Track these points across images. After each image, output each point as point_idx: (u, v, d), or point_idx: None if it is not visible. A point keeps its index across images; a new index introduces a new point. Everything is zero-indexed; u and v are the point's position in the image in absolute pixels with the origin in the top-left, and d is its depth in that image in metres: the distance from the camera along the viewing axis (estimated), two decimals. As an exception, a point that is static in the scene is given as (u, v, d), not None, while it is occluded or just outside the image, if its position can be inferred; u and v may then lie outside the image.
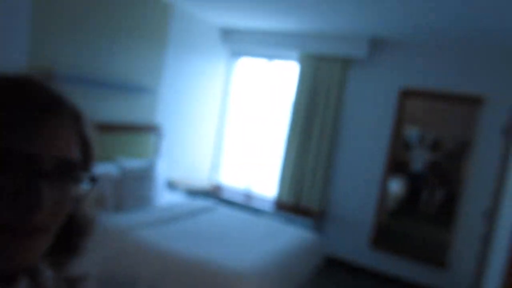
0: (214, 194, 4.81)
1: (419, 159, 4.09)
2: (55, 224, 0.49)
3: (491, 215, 3.24)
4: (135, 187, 3.28)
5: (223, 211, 3.66)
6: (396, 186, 4.19)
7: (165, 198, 3.67)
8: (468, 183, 3.79)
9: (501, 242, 2.60)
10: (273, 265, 2.64)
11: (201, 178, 4.97)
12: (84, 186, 0.53)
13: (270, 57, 4.86)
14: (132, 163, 3.37)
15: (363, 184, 4.25)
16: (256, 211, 4.61)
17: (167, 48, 4.07)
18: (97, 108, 3.41)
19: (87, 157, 0.54)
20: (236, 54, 5.07)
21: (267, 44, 4.62)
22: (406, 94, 4.04)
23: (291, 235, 3.25)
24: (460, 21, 3.12)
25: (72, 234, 0.57)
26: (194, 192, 4.40)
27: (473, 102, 3.76)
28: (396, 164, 4.13)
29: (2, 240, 0.44)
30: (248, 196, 4.91)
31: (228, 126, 5.16)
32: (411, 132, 4.09)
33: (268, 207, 4.64)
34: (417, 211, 4.13)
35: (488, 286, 2.75)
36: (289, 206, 4.49)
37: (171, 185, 4.24)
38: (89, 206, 0.58)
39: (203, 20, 4.50)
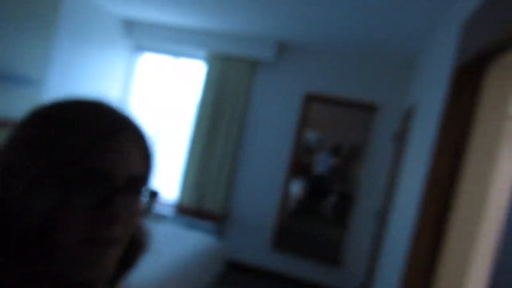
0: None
1: (321, 162, 4.23)
2: (126, 236, 0.54)
3: (382, 215, 3.46)
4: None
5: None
6: (297, 188, 4.29)
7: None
8: (362, 185, 4.03)
9: (391, 241, 2.76)
10: (173, 274, 2.46)
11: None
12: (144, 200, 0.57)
13: (176, 54, 4.66)
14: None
15: (266, 187, 4.27)
16: (156, 216, 4.35)
17: (56, 36, 3.63)
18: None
19: (149, 173, 0.58)
20: (140, 48, 4.77)
21: (173, 40, 4.41)
22: (310, 99, 4.16)
23: (193, 241, 3.10)
24: (350, 32, 3.29)
25: (130, 248, 0.60)
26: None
27: (368, 110, 4.00)
28: (301, 167, 4.22)
29: (83, 251, 0.49)
30: (149, 200, 4.61)
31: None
32: (313, 136, 4.22)
33: (169, 211, 4.41)
34: (317, 212, 4.27)
35: (379, 283, 2.90)
36: (192, 210, 4.32)
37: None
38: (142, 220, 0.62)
39: (102, 9, 4.13)
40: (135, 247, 0.61)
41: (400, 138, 3.42)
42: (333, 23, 3.21)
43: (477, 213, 1.30)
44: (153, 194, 0.57)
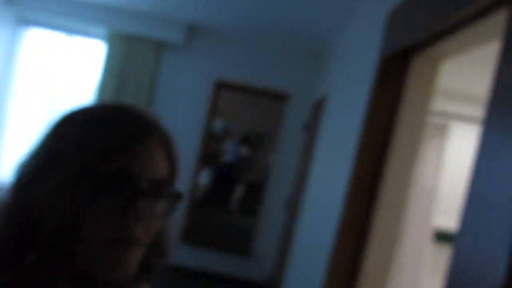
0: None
1: (230, 151, 4.13)
2: (148, 238, 0.55)
3: (293, 205, 3.48)
4: None
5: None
6: (205, 178, 4.14)
7: None
8: (271, 174, 4.02)
9: (302, 231, 2.76)
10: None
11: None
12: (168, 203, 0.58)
13: (71, 31, 4.12)
14: None
15: (175, 178, 4.03)
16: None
17: None
18: None
19: (173, 176, 0.60)
20: (25, 22, 4.11)
21: (66, 15, 3.89)
22: (220, 86, 4.00)
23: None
24: (262, 19, 3.21)
25: (153, 253, 0.60)
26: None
27: (279, 98, 3.98)
28: (209, 156, 4.07)
29: (106, 251, 0.51)
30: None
31: (12, 110, 4.16)
32: (220, 124, 4.09)
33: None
34: (226, 202, 4.18)
35: (290, 273, 2.91)
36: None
37: None
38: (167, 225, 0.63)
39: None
40: (157, 252, 0.61)
41: (311, 128, 3.45)
42: (244, 7, 3.08)
43: (398, 211, 1.28)
44: (177, 196, 0.59)
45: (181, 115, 4.02)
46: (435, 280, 2.27)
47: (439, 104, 1.87)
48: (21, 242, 0.50)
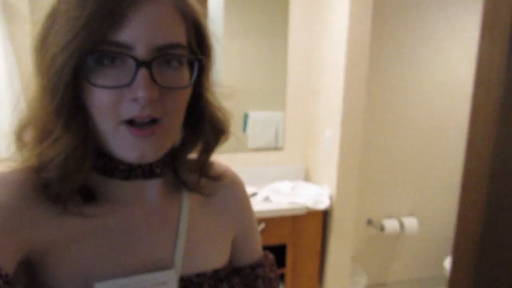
0: None
1: None
2: (173, 116, 0.51)
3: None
4: None
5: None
6: None
7: None
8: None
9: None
10: None
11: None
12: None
13: None
14: None
15: None
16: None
17: None
18: None
19: (196, 40, 0.54)
20: None
21: None
22: None
23: None
24: None
25: (206, 133, 0.59)
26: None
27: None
28: None
29: (121, 133, 0.48)
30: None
31: None
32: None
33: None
34: None
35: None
36: None
37: None
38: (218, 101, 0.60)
39: None
40: (212, 131, 0.59)
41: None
42: None
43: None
44: (197, 61, 0.52)
45: None
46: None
47: None
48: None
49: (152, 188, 0.58)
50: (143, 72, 0.46)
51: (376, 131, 2.54)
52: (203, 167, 0.63)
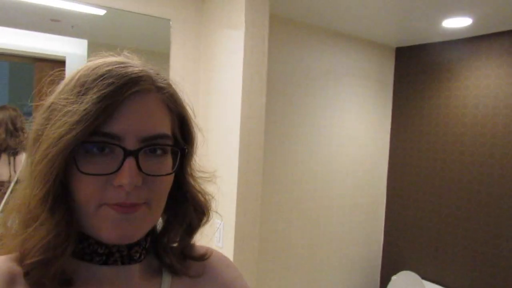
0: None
1: None
2: (156, 200, 0.53)
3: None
4: None
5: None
6: None
7: None
8: None
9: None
10: None
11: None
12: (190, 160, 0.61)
13: None
14: None
15: None
16: None
17: None
18: None
19: (179, 130, 0.58)
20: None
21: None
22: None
23: None
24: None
25: (188, 215, 0.61)
26: None
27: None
28: None
29: (103, 214, 0.49)
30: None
31: None
32: None
33: None
34: None
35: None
36: None
37: None
38: (201, 185, 0.63)
39: None
40: (195, 213, 0.61)
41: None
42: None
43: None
44: (181, 151, 0.56)
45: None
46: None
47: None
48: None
49: (131, 273, 0.57)
50: (130, 161, 0.48)
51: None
52: (185, 249, 0.63)
